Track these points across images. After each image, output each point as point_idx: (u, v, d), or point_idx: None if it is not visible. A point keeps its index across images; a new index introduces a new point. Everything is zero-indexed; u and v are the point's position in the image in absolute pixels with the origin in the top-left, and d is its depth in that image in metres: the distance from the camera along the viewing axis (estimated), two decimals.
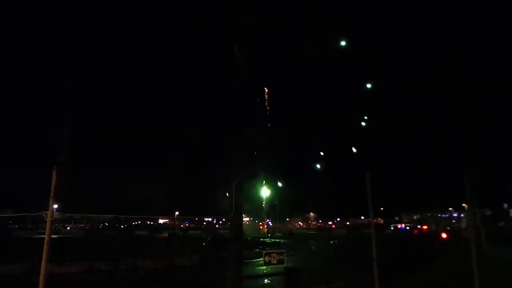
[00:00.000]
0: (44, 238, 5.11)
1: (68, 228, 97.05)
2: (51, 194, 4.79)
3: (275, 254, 7.46)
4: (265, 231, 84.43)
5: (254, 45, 8.49)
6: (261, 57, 8.45)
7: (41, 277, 4.51)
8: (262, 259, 9.00)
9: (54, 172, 4.83)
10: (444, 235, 31.81)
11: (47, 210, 5.18)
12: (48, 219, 4.75)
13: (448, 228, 60.40)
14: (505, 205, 73.02)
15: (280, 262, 7.56)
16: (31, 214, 5.16)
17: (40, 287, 4.50)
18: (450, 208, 74.15)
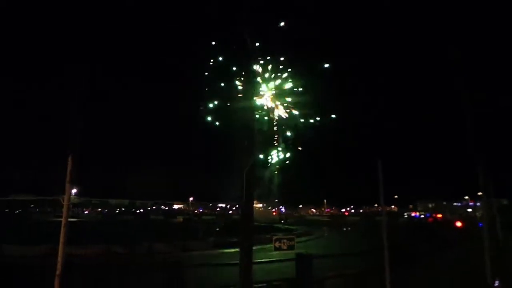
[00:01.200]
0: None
1: (86, 212, 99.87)
2: (67, 179, 4.96)
3: (285, 240, 7.55)
4: (279, 218, 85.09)
5: (266, 37, 8.42)
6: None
7: (59, 259, 4.70)
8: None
9: (69, 158, 4.99)
10: (458, 224, 31.45)
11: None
12: (65, 203, 4.92)
13: (461, 216, 59.67)
14: None
15: (290, 247, 7.65)
16: (49, 198, 5.37)
17: (58, 267, 4.70)
18: (466, 197, 73.03)
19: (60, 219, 5.13)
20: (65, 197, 4.91)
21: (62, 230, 4.77)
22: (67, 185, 4.97)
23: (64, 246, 4.72)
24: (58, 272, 4.70)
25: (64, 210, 4.91)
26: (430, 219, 61.94)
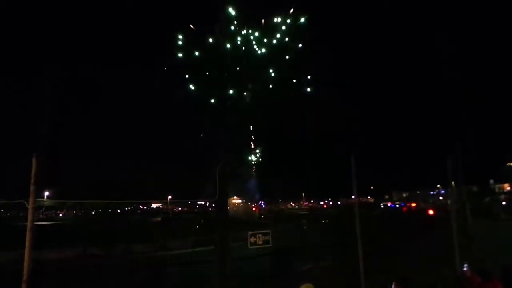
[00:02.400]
0: (38, 225, 5.11)
1: (61, 214, 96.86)
2: (32, 181, 4.79)
3: (260, 235, 7.60)
4: (258, 213, 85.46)
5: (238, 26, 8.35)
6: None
7: (25, 264, 4.55)
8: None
9: (34, 159, 4.81)
10: (431, 212, 32.59)
11: (40, 198, 5.18)
12: (30, 206, 4.75)
13: (431, 203, 61.85)
14: (491, 181, 74.78)
15: (265, 242, 7.70)
16: (12, 202, 5.15)
17: (24, 272, 4.54)
18: (438, 185, 75.67)
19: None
20: (30, 200, 4.74)
21: (28, 234, 4.61)
22: (32, 187, 4.79)
23: (30, 251, 4.56)
24: (24, 278, 4.54)
25: (29, 213, 4.73)
26: (405, 208, 63.76)
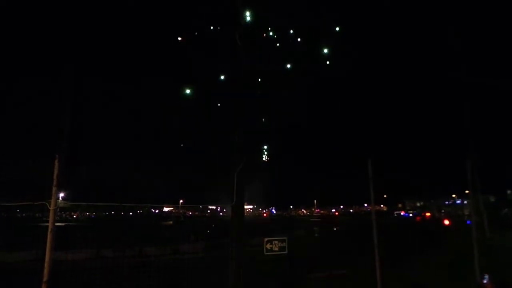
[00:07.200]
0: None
1: (75, 216, 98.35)
2: (54, 183, 4.85)
3: (276, 241, 7.53)
4: (270, 219, 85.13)
5: (254, 34, 8.41)
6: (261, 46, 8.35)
7: (46, 265, 4.59)
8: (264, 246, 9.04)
9: (56, 161, 4.88)
10: (446, 222, 31.98)
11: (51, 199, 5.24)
12: (51, 208, 4.81)
13: (443, 212, 60.58)
14: (509, 192, 72.87)
15: (281, 249, 7.64)
16: (35, 203, 5.22)
17: (45, 273, 4.58)
18: (453, 195, 74.12)
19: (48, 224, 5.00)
20: (52, 202, 4.80)
21: (49, 235, 4.66)
22: (54, 189, 4.86)
23: (50, 252, 4.61)
24: (45, 279, 4.59)
25: (51, 215, 4.80)
26: (418, 218, 62.69)
